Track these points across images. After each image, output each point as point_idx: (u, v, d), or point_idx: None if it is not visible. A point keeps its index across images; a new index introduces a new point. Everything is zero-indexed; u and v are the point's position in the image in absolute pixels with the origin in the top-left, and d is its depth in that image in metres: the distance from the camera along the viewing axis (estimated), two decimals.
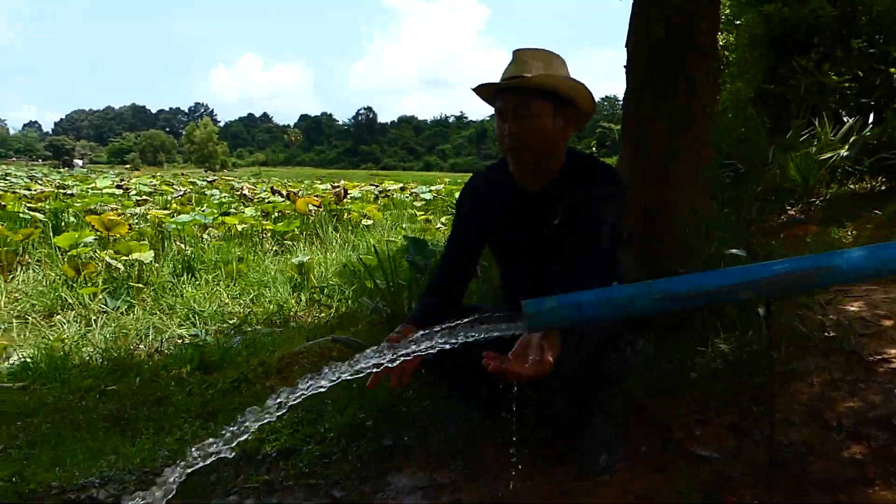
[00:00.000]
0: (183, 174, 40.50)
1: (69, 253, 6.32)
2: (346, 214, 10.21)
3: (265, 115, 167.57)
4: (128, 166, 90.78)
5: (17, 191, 13.89)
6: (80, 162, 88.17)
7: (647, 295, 1.18)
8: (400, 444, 1.79)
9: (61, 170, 60.85)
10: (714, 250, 2.48)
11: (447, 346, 1.19)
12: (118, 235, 6.57)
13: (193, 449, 1.09)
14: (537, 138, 1.68)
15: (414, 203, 13.66)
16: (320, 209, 9.85)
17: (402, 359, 1.17)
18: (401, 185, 18.26)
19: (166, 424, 2.35)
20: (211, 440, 1.09)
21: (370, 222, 9.89)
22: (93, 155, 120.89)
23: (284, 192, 12.45)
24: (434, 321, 1.50)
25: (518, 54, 1.76)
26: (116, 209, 9.68)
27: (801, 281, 1.20)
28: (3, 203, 8.23)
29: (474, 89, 1.67)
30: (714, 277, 1.20)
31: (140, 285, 5.86)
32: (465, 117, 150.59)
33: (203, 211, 9.24)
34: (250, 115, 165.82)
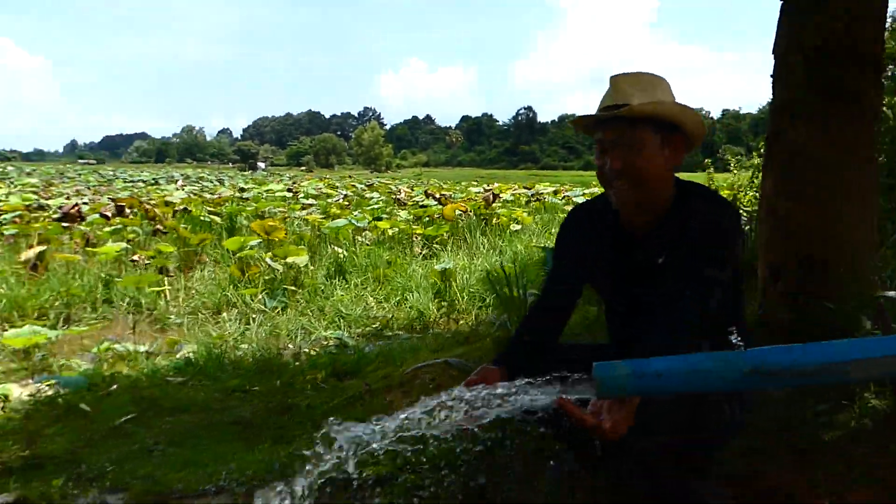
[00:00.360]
0: (350, 176, 43.00)
1: (238, 255, 6.92)
2: (495, 219, 10.24)
3: (428, 117, 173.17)
4: (303, 168, 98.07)
5: (204, 194, 15.42)
6: (262, 165, 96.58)
7: (735, 367, 1.02)
8: (492, 483, 1.73)
9: (246, 172, 67.11)
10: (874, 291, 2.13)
11: (503, 415, 1.11)
12: (277, 239, 7.07)
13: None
14: (642, 171, 1.53)
15: (565, 207, 13.42)
16: (468, 214, 9.94)
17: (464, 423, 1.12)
18: (554, 188, 17.99)
19: (286, 434, 2.47)
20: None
21: (519, 227, 9.84)
22: (274, 158, 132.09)
23: (437, 196, 12.75)
24: (522, 363, 1.43)
25: (615, 81, 1.61)
26: (284, 212, 10.46)
27: None
28: (189, 208, 9.19)
29: (571, 123, 1.57)
30: (820, 352, 1.01)
31: (294, 287, 6.26)
32: None
33: (356, 215, 9.70)
34: (414, 117, 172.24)
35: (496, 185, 19.38)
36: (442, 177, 48.08)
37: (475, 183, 25.19)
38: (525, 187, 19.10)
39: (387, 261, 7.70)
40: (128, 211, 7.50)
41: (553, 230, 10.15)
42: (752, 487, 1.72)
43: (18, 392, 3.47)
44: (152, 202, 10.28)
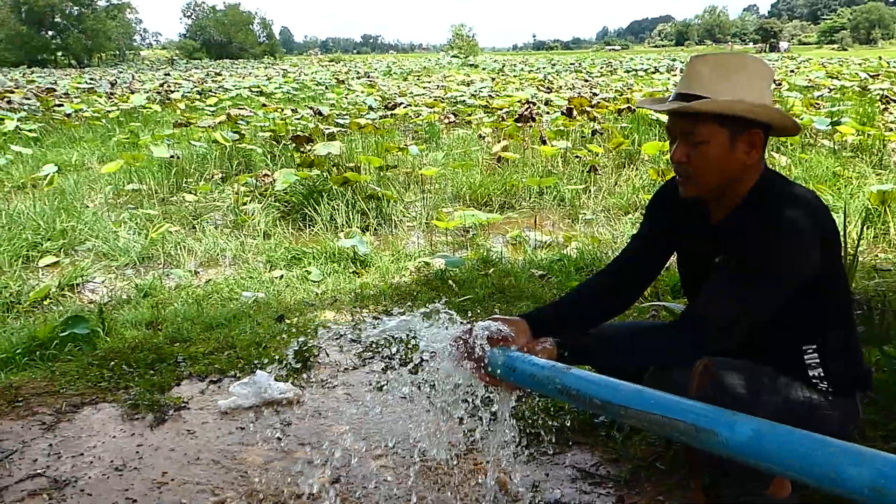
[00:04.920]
0: (881, 58, 35.61)
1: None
2: None
3: None
4: (835, 46, 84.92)
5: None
6: (784, 45, 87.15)
7: (553, 382, 1.06)
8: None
9: (766, 54, 61.91)
10: None
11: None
12: None
13: None
14: (703, 168, 1.40)
15: None
16: None
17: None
18: None
19: None
20: None
21: None
22: (802, 36, 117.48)
23: None
24: (561, 324, 1.54)
25: (693, 64, 1.39)
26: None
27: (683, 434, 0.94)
28: (632, 106, 9.55)
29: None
30: (610, 391, 0.98)
31: None
32: None
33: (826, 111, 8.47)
34: None
35: None
36: None
37: None
38: None
39: (833, 172, 6.79)
40: (575, 113, 8.33)
41: None
42: None
43: (437, 261, 4.69)
44: (605, 100, 11.02)
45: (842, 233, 1.69)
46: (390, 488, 1.93)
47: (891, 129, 8.30)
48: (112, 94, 19.40)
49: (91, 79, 31.28)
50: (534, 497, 1.86)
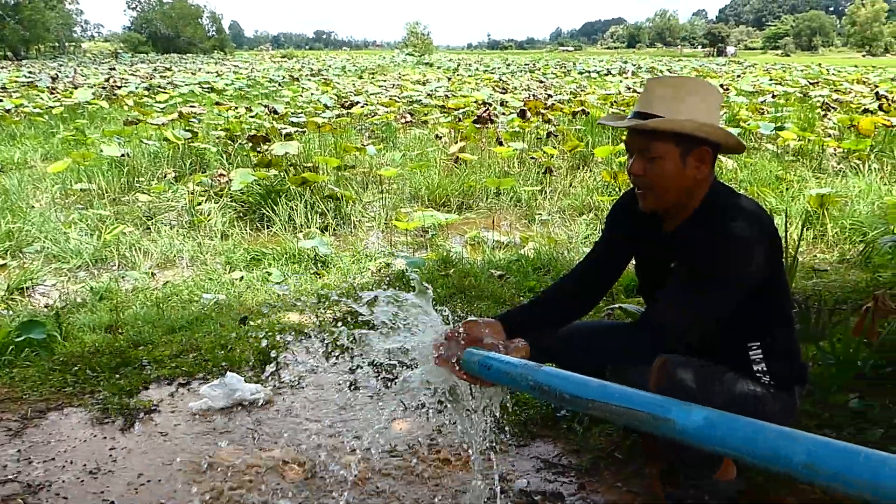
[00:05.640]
0: (819, 65, 37.20)
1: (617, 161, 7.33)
2: None
3: None
4: (778, 52, 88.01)
5: (639, 88, 15.68)
6: (731, 49, 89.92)
7: (525, 379, 1.17)
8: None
9: (714, 58, 63.73)
10: None
11: None
12: None
13: None
14: (659, 182, 1.54)
15: None
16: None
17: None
18: None
19: None
20: None
21: None
22: (748, 41, 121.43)
23: (891, 96, 10.58)
24: (523, 330, 1.65)
25: (649, 86, 1.54)
26: None
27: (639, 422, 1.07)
28: (587, 110, 9.82)
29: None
30: (577, 386, 1.09)
31: None
32: None
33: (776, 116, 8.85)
34: None
35: None
36: None
37: None
38: None
39: (776, 176, 7.12)
40: (529, 115, 8.52)
41: None
42: None
43: (398, 262, 4.76)
44: (560, 102, 11.34)
45: (783, 235, 1.84)
46: (365, 484, 2.01)
47: (829, 135, 8.74)
48: (54, 88, 18.77)
49: (30, 72, 30.15)
50: (502, 486, 1.96)
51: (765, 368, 1.60)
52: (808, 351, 2.48)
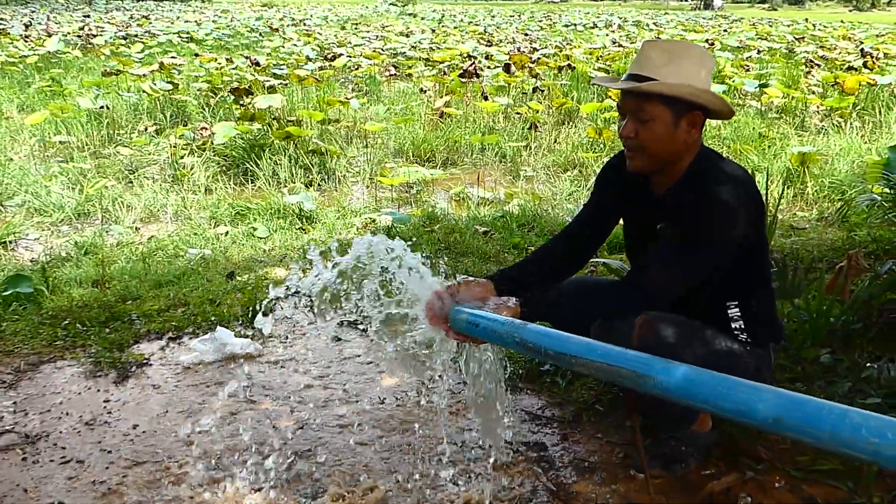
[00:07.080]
0: (822, 22, 36.85)
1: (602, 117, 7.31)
2: None
3: None
4: (766, 6, 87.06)
5: (625, 42, 15.51)
6: (719, 3, 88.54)
7: (511, 336, 1.22)
8: None
9: (701, 11, 62.79)
10: None
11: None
12: None
13: None
14: (650, 144, 1.57)
15: None
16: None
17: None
18: None
19: None
20: None
21: None
22: None
23: (875, 54, 10.56)
24: (522, 284, 1.70)
25: (644, 48, 1.55)
26: None
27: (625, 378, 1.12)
28: (573, 65, 9.71)
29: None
30: (561, 343, 1.15)
31: None
32: None
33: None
34: None
35: None
36: None
37: None
38: None
39: (759, 133, 7.17)
40: (514, 69, 8.43)
41: None
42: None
43: (383, 219, 4.78)
44: (545, 56, 11.21)
45: (764, 193, 1.89)
46: (354, 433, 2.08)
47: (813, 93, 8.76)
48: (27, 36, 18.15)
49: (0, 18, 29.07)
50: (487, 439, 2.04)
51: (742, 326, 1.66)
52: (784, 308, 2.56)
